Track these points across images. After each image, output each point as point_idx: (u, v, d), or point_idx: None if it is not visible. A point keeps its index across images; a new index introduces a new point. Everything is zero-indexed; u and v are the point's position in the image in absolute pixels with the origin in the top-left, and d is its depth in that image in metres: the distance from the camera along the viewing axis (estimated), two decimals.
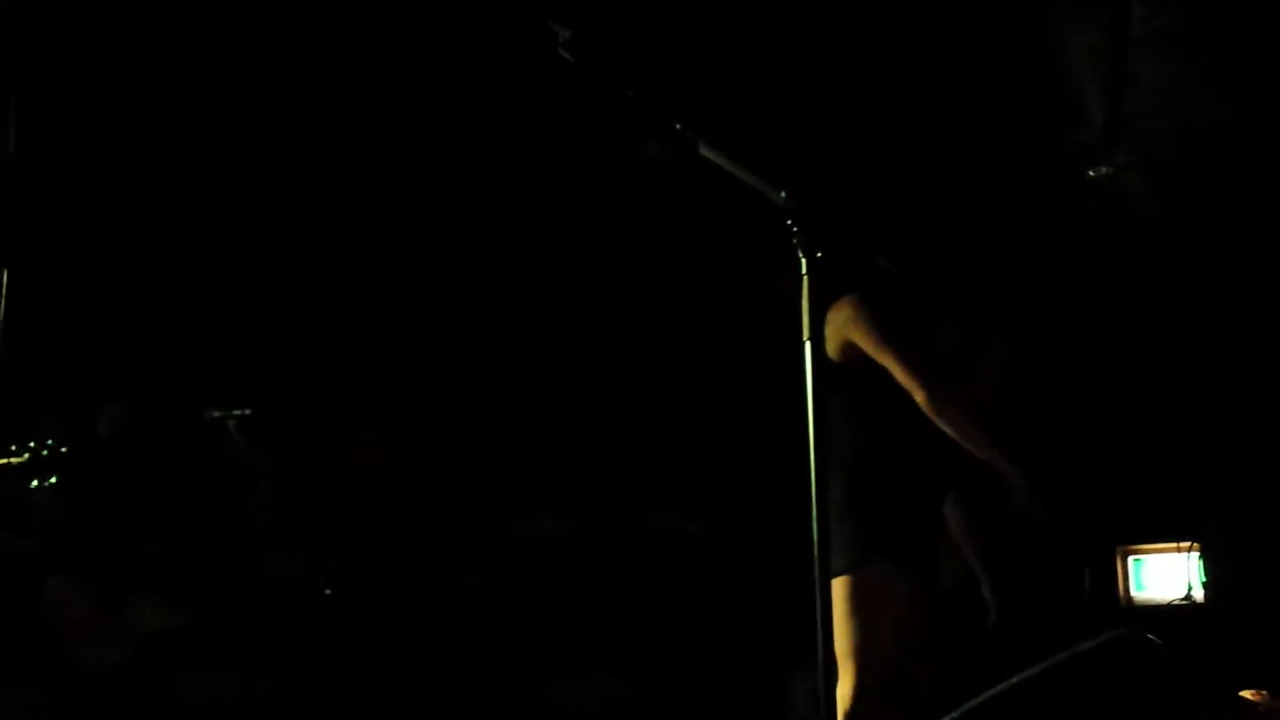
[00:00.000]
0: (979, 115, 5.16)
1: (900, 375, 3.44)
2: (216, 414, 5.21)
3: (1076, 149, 5.13)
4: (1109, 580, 4.47)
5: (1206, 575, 4.60)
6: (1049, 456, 4.31)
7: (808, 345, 2.31)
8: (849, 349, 3.49)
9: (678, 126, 2.45)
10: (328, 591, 5.02)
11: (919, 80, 4.87)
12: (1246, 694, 3.01)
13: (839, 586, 3.20)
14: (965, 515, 4.02)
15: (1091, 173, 5.23)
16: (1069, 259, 5.33)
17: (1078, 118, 5.04)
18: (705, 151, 2.43)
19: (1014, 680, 2.14)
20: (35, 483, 4.31)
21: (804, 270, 2.33)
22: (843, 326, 3.47)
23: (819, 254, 2.34)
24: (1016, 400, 4.23)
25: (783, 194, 2.37)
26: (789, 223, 2.37)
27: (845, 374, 3.48)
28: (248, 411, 5.21)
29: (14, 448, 4.24)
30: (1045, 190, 5.51)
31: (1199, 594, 4.54)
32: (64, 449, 4.32)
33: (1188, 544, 4.75)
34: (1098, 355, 4.35)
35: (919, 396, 3.41)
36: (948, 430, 3.44)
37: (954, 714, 2.37)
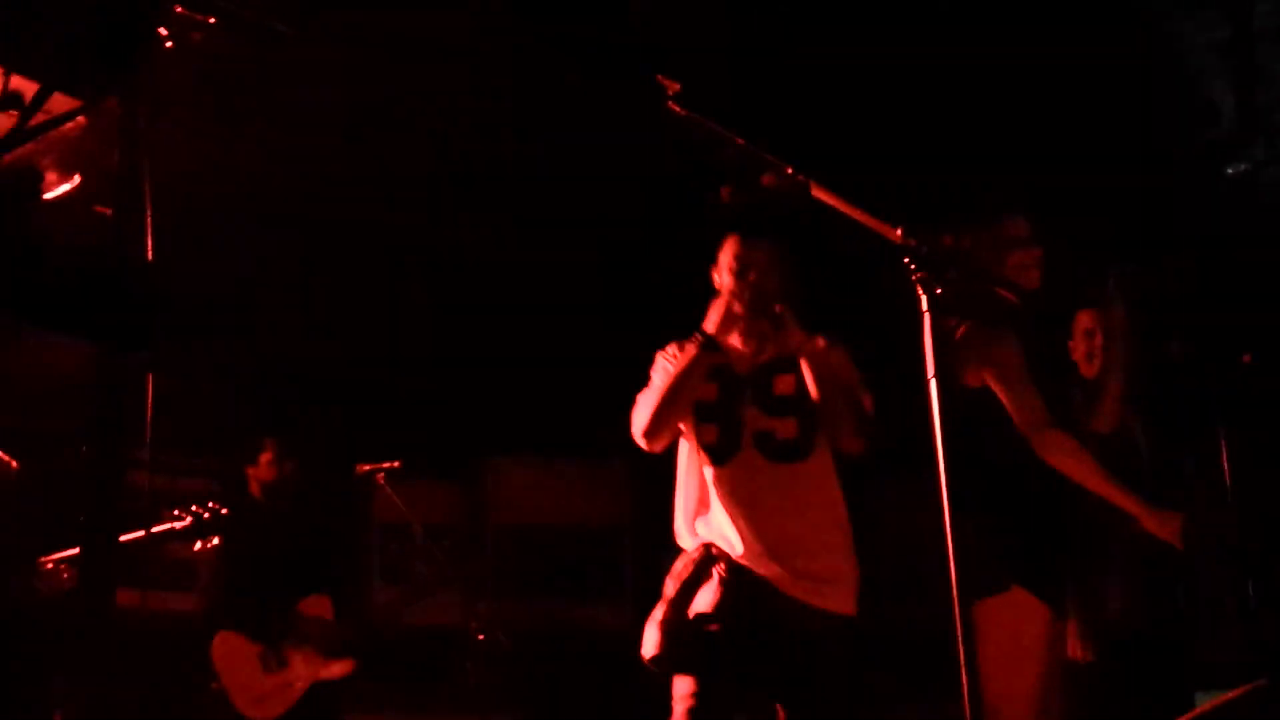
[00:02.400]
0: (1109, 123, 5.07)
1: (1015, 414, 3.41)
2: (367, 467, 5.35)
3: (1213, 148, 4.99)
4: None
5: None
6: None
7: (933, 382, 2.30)
8: (976, 375, 3.46)
9: (789, 170, 2.46)
10: (481, 636, 5.09)
11: (1043, 94, 4.82)
12: None
13: (977, 613, 3.16)
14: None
15: (1230, 170, 5.08)
16: (1208, 263, 5.17)
17: (1211, 116, 4.91)
18: (819, 193, 2.44)
19: None
20: (199, 544, 4.51)
21: (924, 306, 2.32)
22: (967, 353, 3.44)
23: (939, 290, 2.33)
24: (1140, 426, 4.12)
25: (900, 231, 2.37)
26: (907, 260, 2.36)
27: (978, 400, 3.44)
28: (397, 464, 5.34)
29: (177, 511, 4.44)
30: (1183, 192, 5.37)
31: None
32: (224, 510, 4.51)
33: None
34: (1240, 363, 4.20)
35: (1032, 442, 3.39)
36: (1063, 471, 3.40)
37: None
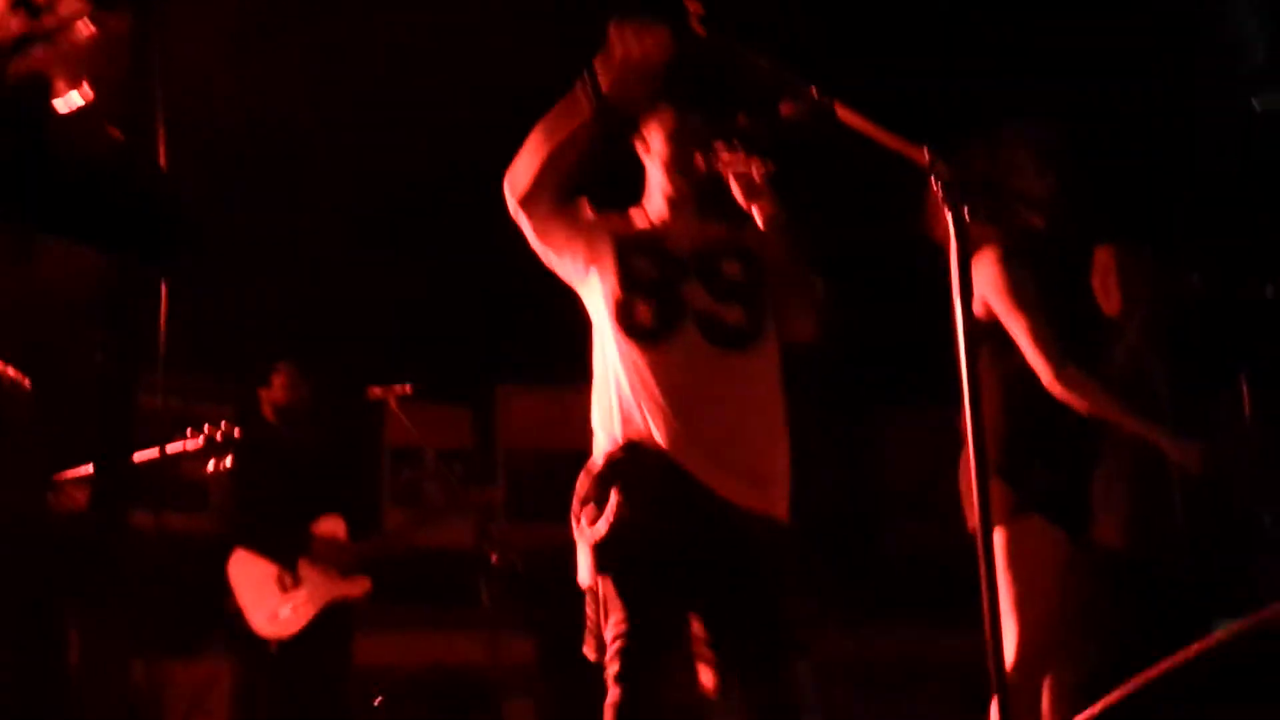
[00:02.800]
0: (1135, 59, 4.99)
1: (1027, 349, 3.36)
2: (379, 390, 5.34)
3: (1242, 81, 4.90)
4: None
5: None
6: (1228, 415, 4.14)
7: (958, 303, 2.26)
8: (987, 307, 3.41)
9: (814, 91, 2.41)
10: (494, 559, 5.11)
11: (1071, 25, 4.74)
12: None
13: (997, 538, 3.14)
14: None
15: (1258, 103, 4.99)
16: (1233, 199, 5.11)
17: (1241, 49, 4.83)
18: (844, 114, 2.39)
19: (1170, 663, 2.07)
20: (211, 465, 4.50)
21: (952, 228, 2.27)
22: (981, 283, 3.39)
23: (967, 210, 2.28)
24: (1159, 364, 4.07)
25: (925, 152, 2.32)
26: (934, 180, 2.31)
27: (990, 330, 3.40)
28: (408, 388, 5.32)
29: (189, 431, 4.43)
30: (1210, 127, 5.29)
31: None
32: (236, 431, 4.50)
33: None
34: (1268, 295, 4.14)
35: (1044, 376, 3.33)
36: (1078, 407, 3.36)
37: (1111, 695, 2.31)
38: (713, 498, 2.98)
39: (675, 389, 3.02)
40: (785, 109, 2.56)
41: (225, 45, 4.53)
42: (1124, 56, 5.16)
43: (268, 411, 5.27)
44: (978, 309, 3.39)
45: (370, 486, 6.92)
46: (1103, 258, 4.19)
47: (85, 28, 1.90)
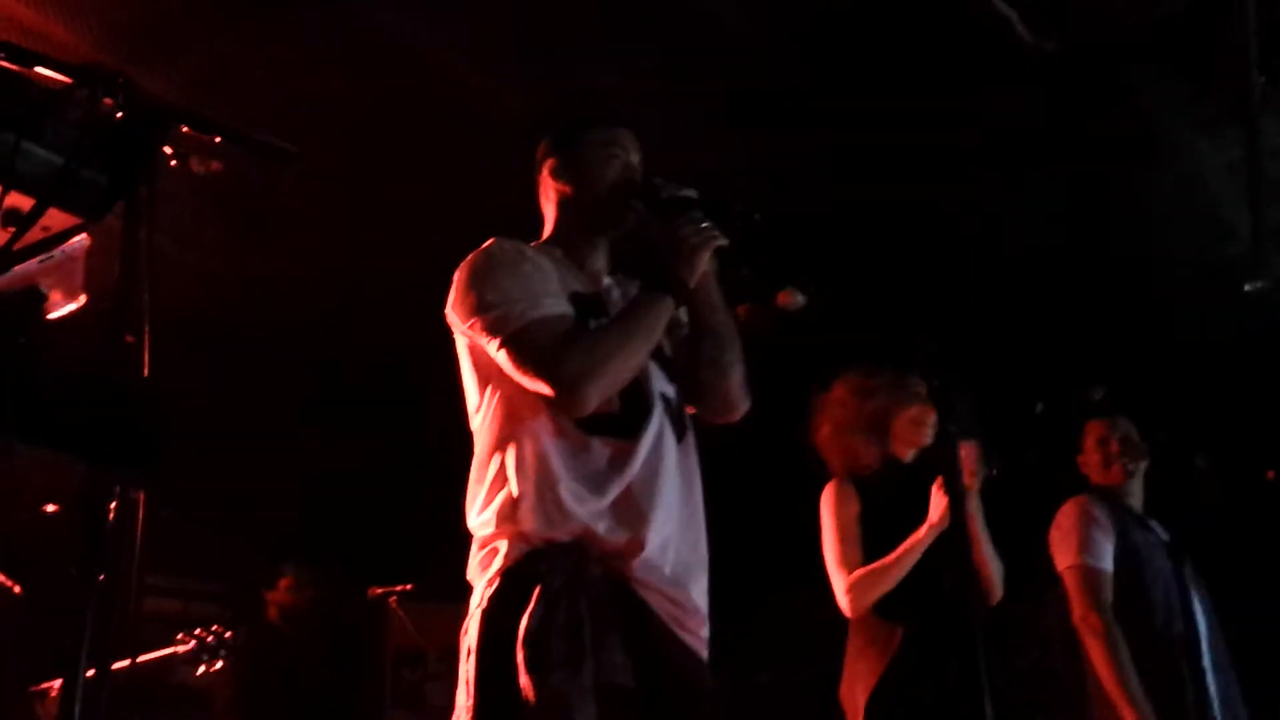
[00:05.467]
0: (1132, 239, 5.09)
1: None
2: (380, 590, 5.29)
3: (1231, 264, 4.98)
4: None
5: None
6: None
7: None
8: None
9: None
10: None
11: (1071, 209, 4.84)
12: None
13: None
14: None
15: (1248, 287, 5.05)
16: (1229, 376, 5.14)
17: (1229, 233, 4.92)
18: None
19: None
20: (202, 669, 4.42)
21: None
22: None
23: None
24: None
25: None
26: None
27: None
28: (409, 587, 5.27)
29: (180, 636, 4.37)
30: (1203, 307, 5.35)
31: None
32: (228, 633, 4.43)
33: None
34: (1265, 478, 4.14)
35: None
36: None
37: None
38: (675, 639, 2.37)
39: (650, 489, 2.40)
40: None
41: (212, 241, 4.63)
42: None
43: (272, 614, 5.21)
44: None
45: (372, 689, 6.78)
46: (1095, 431, 4.19)
47: (80, 240, 1.94)
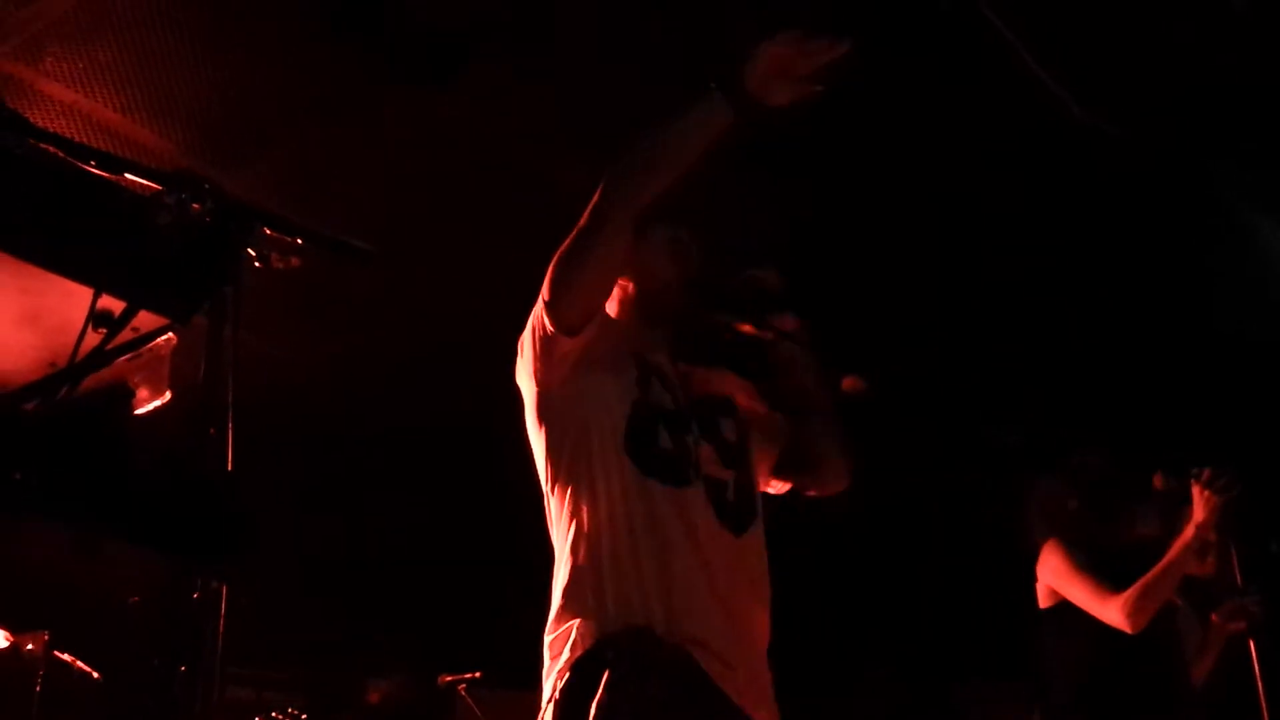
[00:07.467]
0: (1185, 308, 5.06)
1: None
2: (449, 677, 5.28)
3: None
4: None
5: None
6: None
7: None
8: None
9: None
10: None
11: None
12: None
13: None
14: None
15: None
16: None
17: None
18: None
19: None
20: None
21: None
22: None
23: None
24: None
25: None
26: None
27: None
28: (478, 674, 5.26)
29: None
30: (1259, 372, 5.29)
31: None
32: (304, 716, 4.46)
33: None
34: None
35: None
36: None
37: None
38: (739, 713, 2.32)
39: (710, 575, 2.36)
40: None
41: (294, 338, 4.73)
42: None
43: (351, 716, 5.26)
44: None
45: None
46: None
47: (167, 339, 2.00)
